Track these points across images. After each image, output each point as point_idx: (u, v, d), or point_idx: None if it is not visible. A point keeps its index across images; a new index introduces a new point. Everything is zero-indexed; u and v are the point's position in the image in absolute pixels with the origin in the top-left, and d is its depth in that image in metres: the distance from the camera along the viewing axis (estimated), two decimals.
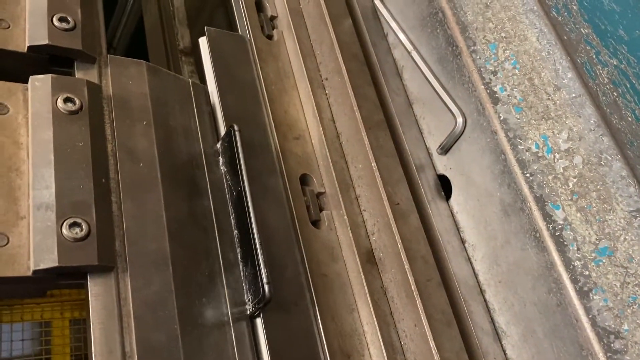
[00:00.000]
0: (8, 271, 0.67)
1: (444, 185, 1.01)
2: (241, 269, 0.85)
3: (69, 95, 0.77)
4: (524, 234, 0.85)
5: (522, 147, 0.88)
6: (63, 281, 0.71)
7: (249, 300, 0.83)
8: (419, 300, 0.85)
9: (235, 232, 0.88)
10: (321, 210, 0.98)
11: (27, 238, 0.70)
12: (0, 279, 0.67)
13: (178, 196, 0.85)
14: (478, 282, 0.93)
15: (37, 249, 0.69)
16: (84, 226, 0.71)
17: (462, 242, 0.96)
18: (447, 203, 1.00)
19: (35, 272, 0.68)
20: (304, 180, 0.99)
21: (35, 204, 0.71)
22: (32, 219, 0.70)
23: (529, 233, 0.85)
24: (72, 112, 0.77)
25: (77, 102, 0.77)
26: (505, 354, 0.88)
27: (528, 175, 0.86)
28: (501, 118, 0.90)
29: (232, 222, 0.88)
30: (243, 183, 0.85)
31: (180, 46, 1.60)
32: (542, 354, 0.82)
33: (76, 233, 0.70)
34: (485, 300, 0.92)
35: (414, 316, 0.86)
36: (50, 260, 0.68)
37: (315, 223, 0.96)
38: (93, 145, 0.77)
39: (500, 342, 0.89)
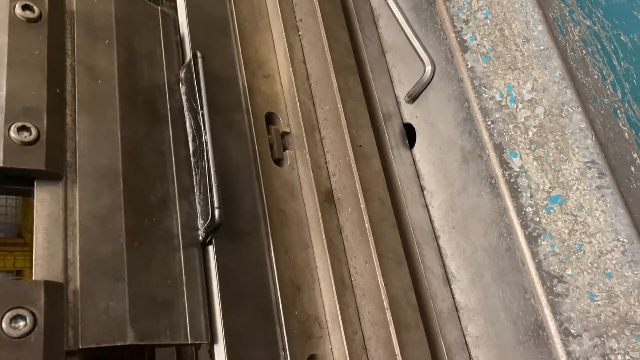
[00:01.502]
0: None
1: (410, 135, 1.01)
2: (196, 196, 0.85)
3: (27, 2, 0.76)
4: (481, 181, 0.86)
5: (486, 96, 0.88)
6: (9, 185, 0.71)
7: (201, 226, 0.83)
8: (372, 238, 0.86)
9: (193, 160, 0.87)
10: (285, 149, 0.98)
11: None
12: None
13: (136, 118, 0.84)
14: (433, 228, 0.94)
15: None
16: (33, 131, 0.70)
17: (422, 189, 0.97)
18: (410, 151, 1.00)
19: None
20: (270, 118, 0.99)
21: None
22: None
23: (486, 180, 0.85)
24: (30, 20, 0.75)
25: (36, 10, 0.76)
26: (453, 297, 0.89)
27: (489, 122, 0.86)
28: (468, 66, 0.90)
29: (191, 150, 0.87)
30: (202, 109, 0.84)
31: None
32: (488, 297, 0.83)
33: (25, 137, 0.69)
34: (438, 246, 0.93)
35: (365, 253, 0.86)
36: None
37: (278, 161, 0.96)
38: (50, 56, 0.75)
39: (450, 286, 0.90)
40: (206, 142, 0.82)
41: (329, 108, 0.98)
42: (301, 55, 1.03)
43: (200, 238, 0.83)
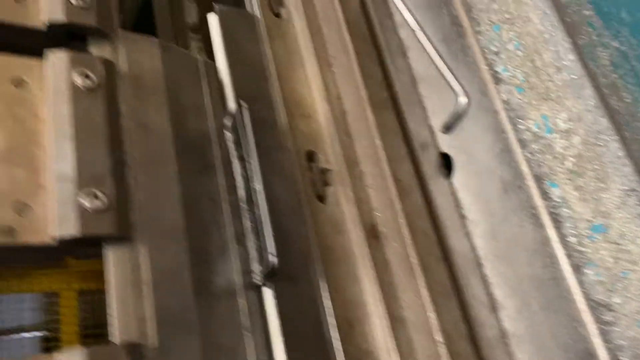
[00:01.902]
0: (31, 239, 0.71)
1: (447, 164, 1.04)
2: (250, 241, 0.89)
3: (85, 71, 0.80)
4: (522, 211, 0.89)
5: (522, 127, 0.91)
6: (82, 249, 0.75)
7: (257, 271, 0.87)
8: (420, 273, 0.89)
9: (244, 206, 0.91)
10: (327, 185, 1.01)
11: (49, 208, 0.73)
12: (24, 247, 0.71)
13: (190, 170, 0.88)
14: (477, 256, 0.97)
15: (58, 218, 0.72)
16: (103, 197, 0.74)
17: (463, 218, 1.00)
18: (449, 181, 1.03)
19: (57, 240, 0.72)
20: (311, 156, 1.02)
21: (56, 176, 0.74)
22: (53, 190, 0.74)
23: (527, 210, 0.88)
24: (88, 88, 0.79)
25: (94, 78, 0.80)
26: (501, 325, 0.92)
27: (528, 154, 0.89)
28: (503, 98, 0.93)
29: (241, 195, 0.91)
30: (251, 158, 0.88)
31: (189, 23, 1.61)
32: (536, 325, 0.86)
33: (95, 204, 0.73)
34: (483, 275, 0.96)
35: (415, 288, 0.89)
36: (71, 229, 0.72)
37: (321, 198, 0.99)
38: (109, 120, 0.80)
39: (497, 314, 0.93)
40: (257, 190, 0.86)
41: (367, 144, 1.01)
42: (336, 92, 1.06)
43: (258, 283, 0.86)
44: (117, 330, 0.73)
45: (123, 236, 0.75)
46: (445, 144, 1.04)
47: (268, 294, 0.86)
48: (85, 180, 0.74)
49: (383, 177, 0.96)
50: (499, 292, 0.93)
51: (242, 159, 0.91)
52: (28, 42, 0.83)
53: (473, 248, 0.97)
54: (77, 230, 0.71)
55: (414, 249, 0.90)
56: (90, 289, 3.01)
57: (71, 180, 0.74)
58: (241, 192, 0.91)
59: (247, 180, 0.90)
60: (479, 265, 0.97)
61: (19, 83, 0.77)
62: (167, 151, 0.85)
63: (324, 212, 0.98)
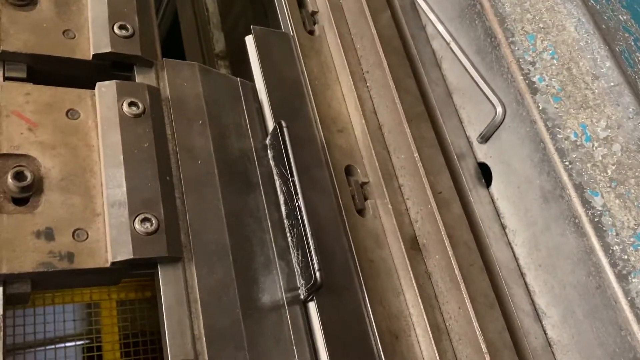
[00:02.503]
0: (89, 263, 0.74)
1: (485, 173, 1.05)
2: (294, 257, 0.91)
3: (132, 99, 0.83)
4: (564, 220, 0.89)
5: (561, 136, 0.91)
6: (136, 271, 0.78)
7: (302, 286, 0.89)
8: (463, 284, 0.90)
9: (287, 222, 0.93)
10: (366, 199, 1.03)
11: (104, 233, 0.77)
12: (83, 270, 0.74)
13: (233, 190, 0.91)
14: (519, 265, 0.97)
15: (113, 242, 0.76)
16: (154, 221, 0.77)
17: (503, 227, 1.00)
18: (488, 190, 1.04)
19: (113, 263, 0.75)
20: (349, 170, 1.04)
21: (109, 202, 0.78)
22: (107, 215, 0.77)
23: (569, 219, 0.88)
24: (136, 115, 0.83)
25: (140, 105, 0.83)
26: (545, 334, 0.92)
27: (567, 163, 0.89)
28: (540, 108, 0.93)
29: (284, 212, 0.93)
30: (292, 176, 0.90)
31: (216, 50, 1.65)
32: (582, 334, 0.86)
33: (147, 227, 0.76)
34: (525, 283, 0.96)
35: (458, 299, 0.90)
36: (126, 252, 0.75)
37: (361, 212, 1.01)
38: (156, 145, 0.83)
39: (541, 323, 0.93)
40: (300, 207, 0.88)
41: (404, 157, 1.02)
42: (371, 106, 1.08)
43: (302, 297, 0.89)
44: (172, 347, 0.76)
45: (174, 257, 0.78)
46: (483, 154, 1.05)
47: (312, 308, 0.88)
48: (136, 205, 0.78)
49: (422, 189, 0.98)
50: (542, 301, 0.93)
51: (283, 176, 0.94)
52: (78, 73, 0.87)
53: (515, 257, 0.98)
54: (131, 253, 0.74)
55: (455, 260, 0.91)
56: (130, 299, 3.08)
57: (124, 206, 0.77)
58: (283, 209, 0.94)
59: (289, 197, 0.92)
60: (521, 274, 0.97)
61: (72, 114, 0.81)
62: (211, 172, 0.88)
63: (364, 226, 0.99)
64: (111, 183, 0.79)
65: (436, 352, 0.88)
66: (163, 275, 0.78)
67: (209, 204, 0.86)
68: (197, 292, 0.80)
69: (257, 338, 0.81)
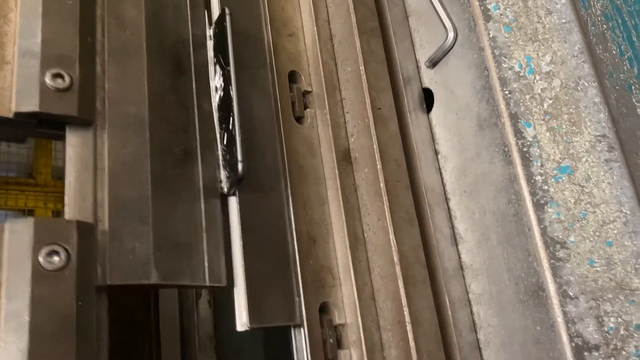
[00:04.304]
0: None
1: (427, 99, 1.04)
2: (219, 149, 0.89)
3: None
4: (494, 148, 0.89)
5: (505, 66, 0.91)
6: (42, 129, 0.74)
7: (225, 178, 0.87)
8: (386, 197, 0.90)
9: (217, 114, 0.91)
10: (306, 108, 1.01)
11: (11, 82, 0.72)
12: None
13: (162, 70, 0.87)
14: (445, 190, 0.98)
15: (20, 93, 0.72)
16: (67, 78, 0.73)
17: (436, 153, 1.01)
18: (428, 116, 1.03)
19: (16, 114, 0.71)
20: (293, 77, 1.02)
21: (21, 51, 0.73)
22: (16, 65, 0.73)
23: (499, 147, 0.89)
24: None
25: None
26: (460, 257, 0.94)
27: (507, 92, 0.89)
28: (490, 35, 0.92)
29: (215, 104, 0.91)
30: (228, 65, 0.87)
31: None
32: (493, 259, 0.88)
33: (58, 83, 0.73)
34: (448, 208, 0.97)
35: (379, 211, 0.91)
36: (31, 104, 0.71)
37: (299, 119, 0.99)
38: (82, 5, 0.78)
39: (457, 247, 0.95)
40: (232, 98, 0.85)
41: (350, 69, 1.00)
42: (326, 15, 1.05)
43: (225, 190, 0.87)
44: (70, 208, 0.73)
45: (85, 120, 0.75)
46: (429, 78, 1.04)
47: (233, 202, 0.87)
48: (49, 59, 0.74)
49: (362, 102, 0.96)
50: (461, 226, 0.95)
51: (220, 66, 0.90)
52: None
53: (442, 183, 0.99)
54: (37, 106, 0.70)
55: (382, 174, 0.91)
56: None
57: (36, 57, 0.73)
58: (217, 100, 0.91)
59: (224, 88, 0.89)
60: (445, 199, 0.98)
61: None
62: (138, 45, 0.84)
63: (300, 133, 0.98)
64: (26, 33, 0.74)
65: (350, 259, 0.89)
66: (71, 137, 0.75)
67: (132, 76, 0.83)
68: (106, 161, 0.77)
69: (164, 217, 0.79)
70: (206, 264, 0.81)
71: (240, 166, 0.82)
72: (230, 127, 0.86)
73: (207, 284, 0.81)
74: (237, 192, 0.87)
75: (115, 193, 0.76)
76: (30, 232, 0.66)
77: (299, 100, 1.00)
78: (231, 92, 0.86)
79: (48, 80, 0.73)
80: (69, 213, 0.74)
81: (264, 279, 0.84)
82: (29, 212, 2.94)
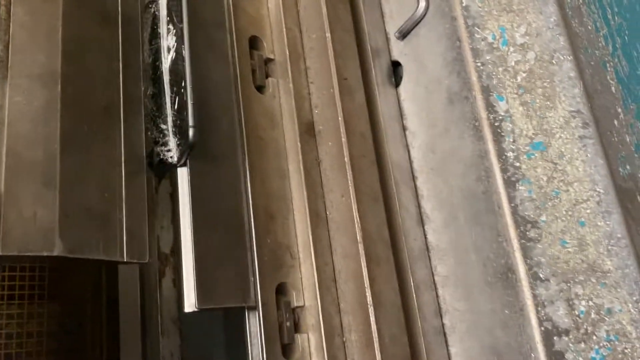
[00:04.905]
0: None
1: (396, 72, 0.99)
2: (168, 114, 0.82)
3: None
4: (465, 123, 0.85)
5: (478, 37, 0.86)
6: None
7: (175, 146, 0.80)
8: (350, 173, 0.84)
9: (167, 77, 0.83)
10: (267, 77, 0.94)
11: None
12: None
13: (81, 16, 0.78)
14: (412, 168, 0.93)
15: None
16: None
17: (404, 129, 0.95)
18: (396, 90, 0.98)
19: None
20: (254, 43, 0.95)
21: None
22: None
23: (470, 122, 0.84)
24: None
25: None
26: (425, 237, 0.89)
27: (479, 64, 0.84)
28: (463, 4, 0.87)
29: (167, 65, 0.83)
30: (181, 22, 0.80)
31: None
32: (460, 239, 0.84)
33: None
34: (415, 186, 0.92)
35: (342, 187, 0.85)
36: None
37: (260, 88, 0.93)
38: None
39: (423, 226, 0.90)
40: (185, 58, 0.78)
41: (316, 37, 0.94)
42: None
43: (175, 159, 0.80)
44: None
45: None
46: (398, 51, 0.99)
47: (183, 172, 0.80)
48: None
49: (327, 71, 0.90)
50: (428, 205, 0.90)
51: (173, 24, 0.83)
52: None
53: (409, 159, 0.93)
54: None
55: (347, 148, 0.85)
56: None
57: None
58: (167, 61, 0.83)
59: (175, 49, 0.82)
60: (412, 177, 0.93)
61: None
62: None
63: (261, 103, 0.91)
64: None
65: (311, 237, 0.83)
66: None
67: (43, 21, 0.74)
68: (6, 113, 0.68)
69: (74, 181, 0.70)
70: (125, 237, 0.73)
71: (191, 132, 0.75)
72: (182, 91, 0.79)
73: (125, 259, 0.73)
74: (187, 162, 0.80)
75: (15, 151, 0.67)
76: None
77: (260, 68, 0.93)
78: (183, 52, 0.78)
79: None
80: None
81: (215, 256, 0.77)
82: None
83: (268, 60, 0.95)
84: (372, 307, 0.77)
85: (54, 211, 0.66)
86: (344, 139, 0.86)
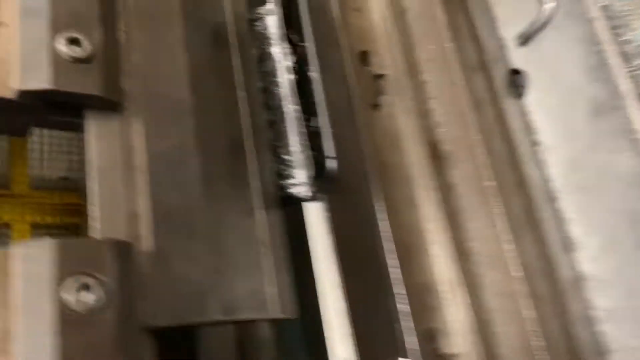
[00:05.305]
0: None
1: (519, 81, 0.90)
2: (290, 144, 0.72)
3: None
4: (617, 136, 0.75)
5: (624, 39, 0.77)
6: (53, 115, 0.57)
7: (304, 179, 0.70)
8: (495, 199, 0.75)
9: (287, 101, 0.73)
10: (380, 94, 0.85)
11: (9, 52, 0.54)
12: None
13: (200, 40, 0.69)
14: (551, 187, 0.84)
15: (25, 64, 0.54)
16: (86, 45, 0.56)
17: (535, 144, 0.86)
18: (520, 101, 0.89)
19: (22, 94, 0.53)
20: (364, 58, 0.86)
21: (23, 9, 0.55)
22: (18, 28, 0.55)
23: (624, 135, 0.75)
24: None
25: None
26: (577, 266, 0.80)
27: (630, 70, 0.75)
28: (602, 4, 0.78)
29: (286, 89, 0.74)
30: (303, 41, 0.71)
31: None
32: (628, 267, 0.74)
33: (75, 52, 0.55)
34: (556, 209, 0.83)
35: (485, 215, 0.76)
36: (41, 80, 0.53)
37: (375, 107, 0.84)
38: None
39: (572, 254, 0.80)
40: (313, 81, 0.69)
41: (433, 48, 0.85)
42: None
43: (305, 194, 0.70)
44: (100, 223, 0.55)
45: (110, 102, 0.57)
46: (519, 58, 0.90)
47: (312, 208, 0.71)
48: (61, 18, 0.56)
49: (453, 87, 0.81)
50: (577, 230, 0.80)
51: (291, 43, 0.74)
52: None
53: (547, 178, 0.84)
54: (50, 82, 0.53)
55: (486, 171, 0.76)
56: (46, 223, 2.76)
57: (43, 17, 0.55)
58: (284, 84, 0.74)
59: (297, 70, 0.72)
60: (551, 198, 0.84)
61: None
62: (172, 7, 0.66)
63: (380, 125, 0.82)
64: None
65: (456, 273, 0.74)
66: (92, 125, 0.57)
67: (164, 46, 0.65)
68: (143, 157, 0.59)
69: (219, 230, 0.61)
70: (274, 290, 0.64)
71: (330, 163, 0.66)
72: (305, 116, 0.69)
73: (278, 315, 0.63)
74: (321, 197, 0.70)
75: (158, 200, 0.58)
76: (52, 258, 0.47)
77: (373, 86, 0.84)
78: (310, 74, 0.69)
79: (62, 47, 0.55)
80: (99, 230, 0.55)
81: (366, 304, 0.67)
82: (5, 226, 2.68)
83: (378, 77, 0.86)
84: (543, 352, 0.68)
85: (203, 268, 0.57)
86: (480, 161, 0.77)
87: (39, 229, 2.71)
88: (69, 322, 0.46)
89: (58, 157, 2.92)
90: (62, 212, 2.80)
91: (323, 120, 0.66)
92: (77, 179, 2.93)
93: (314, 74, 0.69)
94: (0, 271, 0.46)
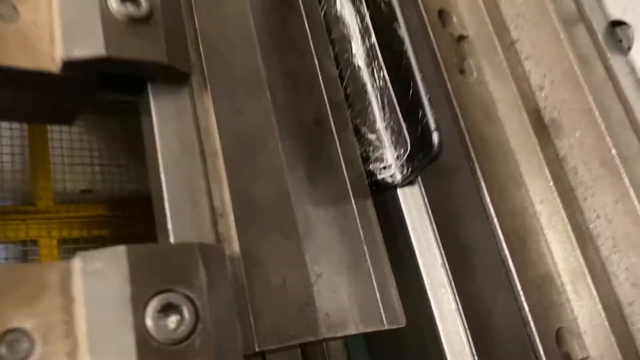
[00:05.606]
0: (20, 60, 0.41)
1: (622, 34, 0.77)
2: (378, 120, 0.61)
3: None
4: None
5: None
6: (107, 93, 0.46)
7: (395, 160, 0.59)
8: (622, 168, 0.63)
9: (367, 71, 0.62)
10: (464, 58, 0.73)
11: (50, 13, 0.43)
12: (7, 71, 0.40)
13: (268, 8, 0.58)
14: None
15: (68, 27, 0.42)
16: (143, 1, 0.45)
17: None
18: (627, 57, 0.76)
19: (66, 65, 0.42)
20: (442, 18, 0.74)
21: None
22: None
23: None
24: None
25: None
26: None
27: None
28: None
29: (358, 58, 0.62)
30: (392, 4, 0.59)
31: None
32: None
33: (130, 10, 0.44)
34: None
35: (613, 190, 0.63)
36: (92, 45, 0.42)
37: (462, 73, 0.72)
38: None
39: None
40: (405, 40, 0.57)
41: (521, 0, 0.73)
42: None
43: (398, 178, 0.59)
44: (172, 224, 0.44)
45: (178, 72, 0.46)
46: (619, 7, 0.77)
47: (410, 192, 0.59)
48: None
49: (551, 43, 0.69)
50: None
51: (375, 5, 0.62)
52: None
53: None
54: (102, 48, 0.42)
55: (608, 138, 0.64)
56: (73, 237, 2.68)
57: None
58: (356, 50, 0.62)
59: (382, 36, 0.61)
60: None
61: None
62: None
63: (472, 93, 0.70)
64: None
65: (581, 261, 0.62)
66: (157, 100, 0.46)
67: (229, 7, 0.54)
68: (217, 139, 0.48)
69: (314, 225, 0.50)
70: (378, 294, 0.52)
71: (436, 137, 0.54)
72: (403, 86, 0.58)
73: (385, 325, 0.52)
74: (416, 181, 0.59)
75: (240, 191, 0.47)
76: (124, 271, 0.36)
77: (455, 49, 0.72)
78: (399, 32, 0.58)
79: (114, 4, 0.44)
80: (171, 231, 0.44)
81: (483, 305, 0.56)
82: (32, 243, 2.60)
83: (460, 38, 0.74)
84: None
85: (304, 273, 0.45)
86: (602, 127, 0.64)
87: (66, 244, 2.63)
88: (154, 354, 0.34)
89: (79, 169, 2.84)
90: (89, 225, 2.72)
91: (422, 86, 0.54)
92: (100, 191, 2.85)
93: (403, 32, 0.57)
94: (59, 292, 0.35)
